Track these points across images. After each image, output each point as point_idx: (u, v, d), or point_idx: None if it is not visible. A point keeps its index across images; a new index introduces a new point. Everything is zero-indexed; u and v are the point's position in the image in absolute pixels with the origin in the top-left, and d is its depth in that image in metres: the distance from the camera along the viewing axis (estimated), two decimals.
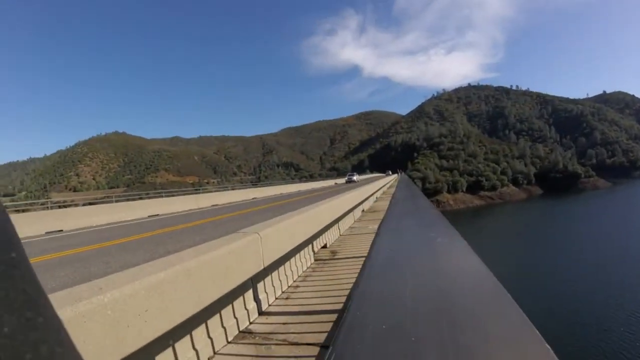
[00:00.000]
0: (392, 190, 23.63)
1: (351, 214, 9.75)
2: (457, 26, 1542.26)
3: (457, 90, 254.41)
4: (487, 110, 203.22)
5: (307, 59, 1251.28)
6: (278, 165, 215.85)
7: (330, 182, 52.30)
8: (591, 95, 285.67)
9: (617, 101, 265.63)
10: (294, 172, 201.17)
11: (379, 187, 22.39)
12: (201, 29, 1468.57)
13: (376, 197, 18.55)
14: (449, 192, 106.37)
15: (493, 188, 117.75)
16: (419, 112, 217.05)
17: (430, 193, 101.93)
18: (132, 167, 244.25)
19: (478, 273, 2.32)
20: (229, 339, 3.36)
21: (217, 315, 3.18)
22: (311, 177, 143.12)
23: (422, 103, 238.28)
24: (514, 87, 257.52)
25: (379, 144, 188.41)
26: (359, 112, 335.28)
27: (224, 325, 3.26)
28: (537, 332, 1.76)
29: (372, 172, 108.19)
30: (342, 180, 58.80)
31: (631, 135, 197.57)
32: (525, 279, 44.61)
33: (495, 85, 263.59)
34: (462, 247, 3.10)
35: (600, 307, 39.22)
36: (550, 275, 47.09)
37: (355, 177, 51.76)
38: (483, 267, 2.37)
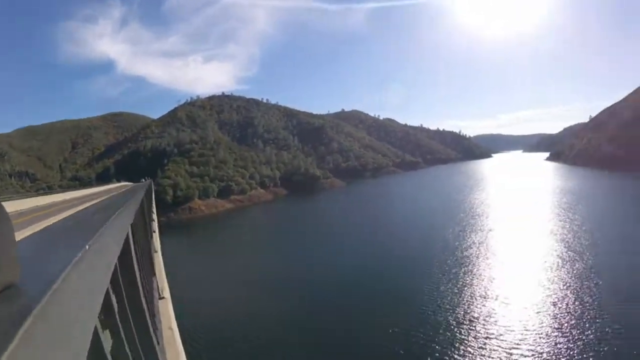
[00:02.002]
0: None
1: None
2: (220, 36, 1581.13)
3: (211, 98, 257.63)
4: (238, 119, 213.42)
5: (59, 44, 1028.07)
6: (10, 175, 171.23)
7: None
8: (332, 111, 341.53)
9: (353, 118, 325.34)
10: (30, 183, 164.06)
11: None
12: None
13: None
14: (200, 198, 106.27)
15: (243, 192, 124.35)
16: (172, 117, 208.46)
17: (181, 201, 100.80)
18: None
19: None
20: None
21: None
22: (50, 189, 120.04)
23: (176, 108, 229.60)
24: (264, 100, 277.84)
25: (127, 150, 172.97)
26: (106, 113, 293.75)
27: None
28: None
29: (119, 181, 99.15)
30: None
31: (362, 145, 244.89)
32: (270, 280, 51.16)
33: (247, 96, 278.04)
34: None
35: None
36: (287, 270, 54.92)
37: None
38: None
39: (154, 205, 33.04)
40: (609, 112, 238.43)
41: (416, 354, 32.69)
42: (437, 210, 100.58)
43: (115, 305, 3.89)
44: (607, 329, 36.39)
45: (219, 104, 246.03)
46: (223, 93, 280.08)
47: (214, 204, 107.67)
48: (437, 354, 33.02)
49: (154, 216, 27.85)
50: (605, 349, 33.51)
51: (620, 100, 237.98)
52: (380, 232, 79.89)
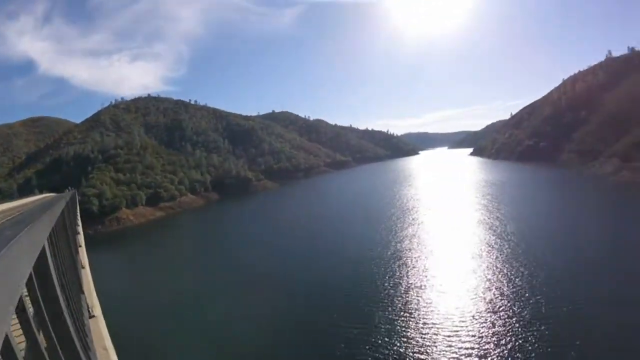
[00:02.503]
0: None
1: None
2: (147, 35, 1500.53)
3: (137, 100, 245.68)
4: (165, 122, 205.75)
5: None
6: None
7: None
8: (262, 113, 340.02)
9: (284, 119, 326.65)
10: None
11: None
12: None
13: None
14: (128, 207, 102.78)
15: (172, 198, 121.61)
16: (95, 121, 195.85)
17: (108, 211, 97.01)
18: None
19: None
20: None
21: None
22: None
23: (99, 111, 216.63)
24: (193, 102, 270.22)
25: (49, 157, 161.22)
26: (27, 118, 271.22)
27: None
28: None
29: (41, 192, 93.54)
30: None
31: (294, 146, 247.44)
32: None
33: (175, 98, 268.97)
34: None
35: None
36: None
37: None
38: None
39: (78, 217, 32.48)
40: (529, 110, 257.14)
41: (357, 349, 34.24)
42: (369, 207, 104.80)
43: (36, 329, 3.69)
44: (539, 307, 39.46)
45: (145, 106, 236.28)
46: (149, 95, 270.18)
47: (142, 213, 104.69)
48: (379, 347, 34.71)
49: (79, 229, 27.41)
50: (538, 324, 36.52)
51: (540, 99, 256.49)
52: (316, 231, 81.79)
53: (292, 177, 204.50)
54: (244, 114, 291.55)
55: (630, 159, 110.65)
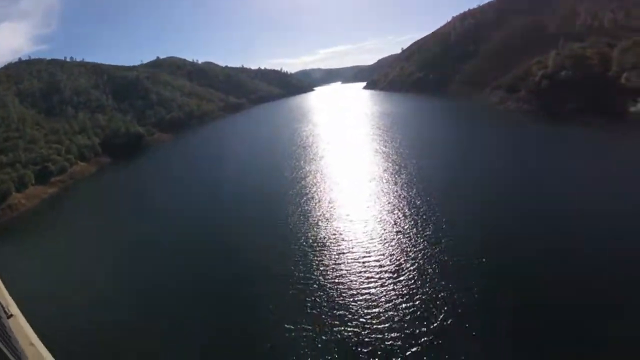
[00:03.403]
0: None
1: None
2: None
3: (7, 68, 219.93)
4: (41, 87, 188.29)
5: None
6: None
7: None
8: (146, 61, 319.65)
9: (170, 65, 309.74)
10: None
11: None
12: None
13: None
14: (18, 190, 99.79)
15: (63, 170, 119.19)
16: None
17: None
18: None
19: None
20: None
21: None
22: None
23: None
24: (68, 59, 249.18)
25: None
26: None
27: None
28: None
29: None
30: None
31: (185, 93, 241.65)
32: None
33: (48, 58, 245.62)
34: None
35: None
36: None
37: None
38: None
39: None
40: (420, 44, 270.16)
41: (278, 285, 35.25)
42: (269, 149, 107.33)
43: None
44: (439, 224, 42.37)
45: (16, 73, 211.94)
46: (20, 59, 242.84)
47: (34, 193, 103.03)
48: (298, 280, 35.92)
49: None
50: (440, 238, 39.23)
51: (430, 34, 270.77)
52: (218, 181, 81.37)
53: (186, 125, 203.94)
54: (126, 64, 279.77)
55: (514, 90, 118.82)
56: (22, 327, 11.11)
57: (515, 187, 52.43)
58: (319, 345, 28.20)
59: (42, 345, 10.32)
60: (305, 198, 59.07)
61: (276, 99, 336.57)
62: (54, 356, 10.05)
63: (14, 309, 12.84)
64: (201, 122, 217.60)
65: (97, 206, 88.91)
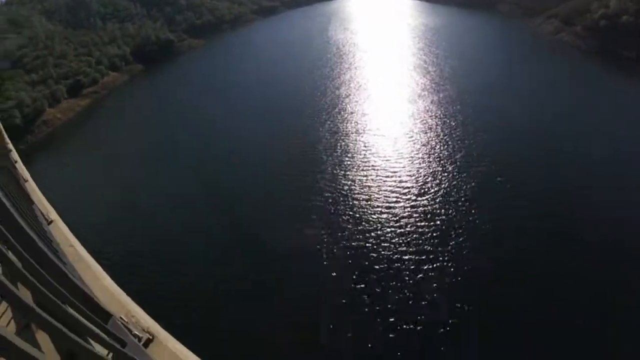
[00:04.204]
0: None
1: None
2: None
3: None
4: (66, 2, 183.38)
5: None
6: None
7: None
8: None
9: None
10: None
11: None
12: None
13: None
14: (51, 106, 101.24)
15: (95, 82, 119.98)
16: None
17: (33, 117, 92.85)
18: None
19: None
20: None
21: None
22: None
23: None
24: None
25: None
26: None
27: None
28: None
29: None
30: None
31: None
32: None
33: None
34: None
35: None
36: None
37: None
38: None
39: (4, 136, 30.74)
40: None
41: (304, 192, 36.93)
42: (304, 54, 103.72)
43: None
44: (472, 147, 42.15)
45: None
46: None
47: (68, 107, 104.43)
48: (325, 186, 37.46)
49: (10, 146, 26.06)
50: (472, 161, 39.59)
51: None
52: (252, 85, 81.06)
53: (218, 30, 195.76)
54: None
55: (570, 24, 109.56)
56: (61, 231, 11.94)
57: (560, 124, 49.02)
58: (335, 251, 30.11)
59: (81, 246, 11.01)
60: (338, 108, 58.04)
61: (313, 2, 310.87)
62: (91, 256, 10.60)
63: (53, 214, 13.58)
64: (233, 26, 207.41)
65: (130, 116, 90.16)
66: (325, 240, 31.73)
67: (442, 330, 24.53)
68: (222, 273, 31.97)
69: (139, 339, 5.58)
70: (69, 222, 13.59)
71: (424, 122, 49.85)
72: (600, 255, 28.10)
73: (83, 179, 55.03)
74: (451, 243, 29.64)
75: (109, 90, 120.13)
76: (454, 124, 48.24)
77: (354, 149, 44.36)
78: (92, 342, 3.87)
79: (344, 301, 26.78)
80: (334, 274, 28.75)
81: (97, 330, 3.81)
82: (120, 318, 5.61)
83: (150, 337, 5.65)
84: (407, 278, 27.13)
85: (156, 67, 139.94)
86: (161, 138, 63.99)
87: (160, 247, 34.53)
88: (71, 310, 4.08)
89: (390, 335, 24.71)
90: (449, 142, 43.87)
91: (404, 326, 24.77)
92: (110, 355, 4.04)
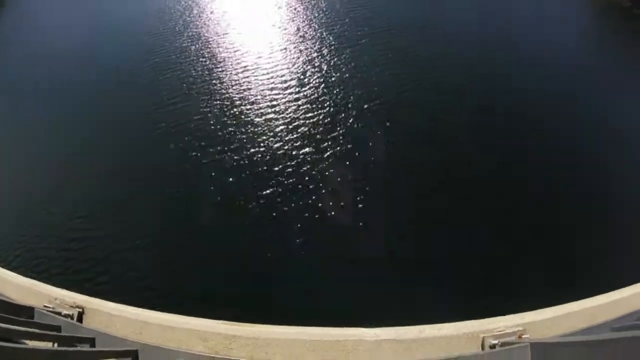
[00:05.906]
0: None
1: None
2: None
3: None
4: None
5: None
6: None
7: None
8: None
9: None
10: None
11: None
12: None
13: None
14: None
15: None
16: None
17: None
18: None
19: None
20: None
21: None
22: None
23: None
24: None
25: None
26: None
27: None
28: None
29: None
30: None
31: None
32: None
33: None
34: None
35: None
36: None
37: None
38: None
39: None
40: None
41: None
42: None
43: None
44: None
45: None
46: None
47: None
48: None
49: None
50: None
51: None
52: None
53: None
54: None
55: None
56: None
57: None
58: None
59: None
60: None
61: None
62: None
63: None
64: None
65: None
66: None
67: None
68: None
69: (71, 317, 5.59)
70: None
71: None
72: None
73: None
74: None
75: None
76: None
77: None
78: (29, 342, 3.92)
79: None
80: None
81: (28, 329, 3.83)
82: (45, 306, 5.59)
83: (81, 310, 5.65)
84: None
85: None
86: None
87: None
88: None
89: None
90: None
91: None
92: (54, 345, 4.11)
